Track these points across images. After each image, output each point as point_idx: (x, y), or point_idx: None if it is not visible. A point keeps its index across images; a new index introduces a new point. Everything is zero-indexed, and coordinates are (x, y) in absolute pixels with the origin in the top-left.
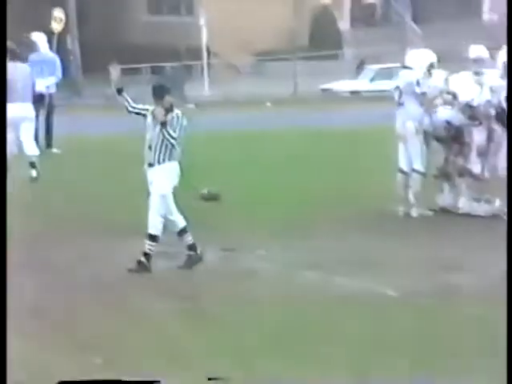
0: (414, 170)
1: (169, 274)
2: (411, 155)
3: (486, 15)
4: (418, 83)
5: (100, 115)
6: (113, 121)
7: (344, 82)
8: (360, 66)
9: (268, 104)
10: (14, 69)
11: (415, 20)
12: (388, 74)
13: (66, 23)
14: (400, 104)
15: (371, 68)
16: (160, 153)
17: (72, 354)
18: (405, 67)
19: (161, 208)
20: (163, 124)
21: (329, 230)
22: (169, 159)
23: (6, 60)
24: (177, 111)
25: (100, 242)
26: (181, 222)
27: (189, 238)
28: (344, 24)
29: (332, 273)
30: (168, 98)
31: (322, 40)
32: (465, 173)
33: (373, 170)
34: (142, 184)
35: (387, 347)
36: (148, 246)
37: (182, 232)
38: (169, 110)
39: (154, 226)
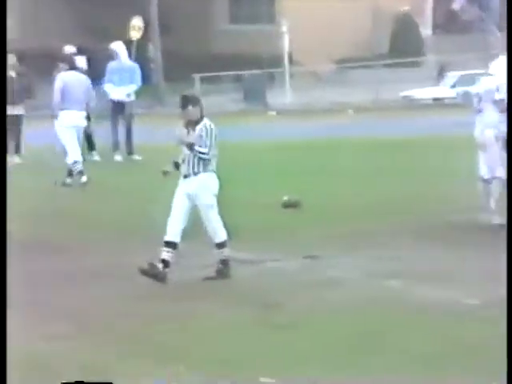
0: (495, 178)
1: (250, 281)
2: (491, 162)
3: None
4: (497, 89)
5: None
6: None
7: (425, 88)
8: (441, 73)
9: (350, 111)
10: (71, 77)
11: (499, 27)
12: (470, 81)
13: (147, 31)
14: (479, 111)
15: (453, 74)
16: (194, 166)
17: (154, 363)
18: (487, 74)
19: (214, 217)
20: (189, 145)
21: (410, 240)
22: (204, 171)
23: (6, 61)
24: (206, 122)
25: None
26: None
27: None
28: (425, 31)
29: (413, 282)
30: (193, 109)
31: (403, 47)
32: None
33: (454, 178)
34: (219, 190)
35: (468, 356)
36: (223, 252)
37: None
38: (197, 121)
39: (217, 235)
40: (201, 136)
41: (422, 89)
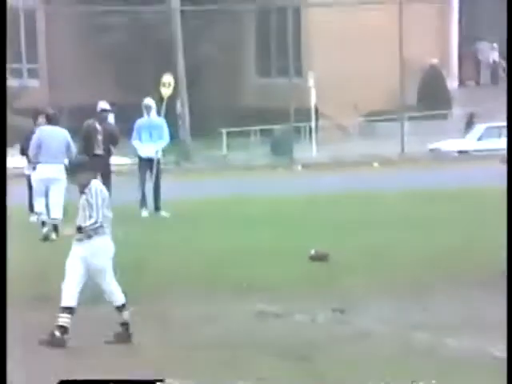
0: None
1: (283, 333)
2: None
3: None
4: None
5: (207, 178)
6: (220, 183)
7: (452, 141)
8: (469, 123)
9: (375, 164)
10: (49, 131)
11: None
12: (496, 133)
13: (176, 87)
14: None
15: (479, 126)
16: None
17: None
18: None
19: (109, 280)
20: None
21: (440, 291)
22: (97, 234)
23: (5, 59)
24: (93, 185)
25: (213, 300)
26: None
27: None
28: (452, 83)
29: (444, 334)
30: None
31: (430, 99)
32: None
33: (484, 230)
34: (249, 244)
35: None
36: (123, 316)
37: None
38: (86, 185)
39: (114, 298)
40: (86, 202)
41: (449, 140)
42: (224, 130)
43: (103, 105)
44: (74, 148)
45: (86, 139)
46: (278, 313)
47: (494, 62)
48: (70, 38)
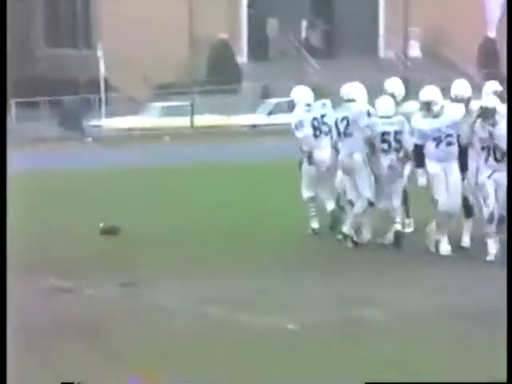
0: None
1: (73, 308)
2: (360, 186)
3: (382, 52)
4: (368, 114)
5: None
6: (10, 156)
7: (242, 116)
8: (263, 97)
9: (167, 138)
10: None
11: (312, 55)
12: (286, 108)
13: None
14: (346, 135)
15: (269, 101)
16: None
17: None
18: (348, 100)
19: None
20: None
21: (233, 265)
22: None
23: (5, 58)
24: None
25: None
26: None
27: None
28: (241, 58)
29: (237, 308)
30: None
31: (219, 74)
32: None
33: (274, 203)
34: (41, 220)
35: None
36: None
37: None
38: None
39: None
40: None
41: (240, 115)
42: (13, 101)
43: None
44: None
45: None
46: (68, 287)
47: (283, 38)
48: None
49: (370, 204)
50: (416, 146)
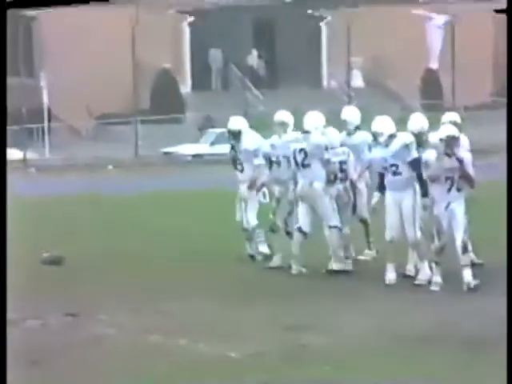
0: (331, 227)
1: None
2: (322, 214)
3: (326, 82)
4: (326, 148)
5: None
6: None
7: (186, 145)
8: (204, 127)
9: (110, 167)
10: None
11: (256, 85)
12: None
13: None
14: (304, 166)
15: (212, 131)
16: None
17: None
18: (305, 131)
19: None
20: None
21: (174, 293)
22: None
23: (5, 62)
24: None
25: None
26: None
27: None
28: (185, 88)
29: (177, 336)
30: None
31: (163, 103)
32: None
33: (216, 231)
34: None
35: None
36: None
37: None
38: None
39: None
40: None
41: (183, 145)
42: None
43: None
44: None
45: None
46: (9, 318)
47: (226, 68)
48: None
49: (339, 229)
50: (378, 173)
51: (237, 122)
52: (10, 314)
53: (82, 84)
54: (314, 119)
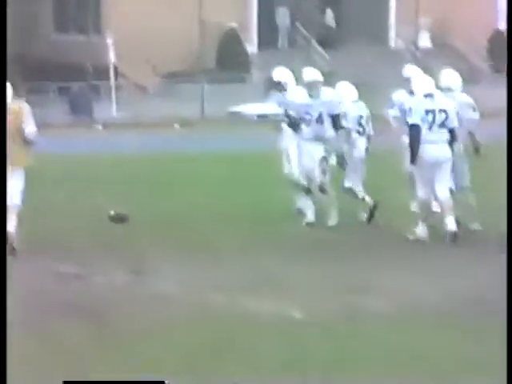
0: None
1: (81, 294)
2: (456, 174)
3: (393, 42)
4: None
5: None
6: None
7: (252, 104)
8: (269, 87)
9: (176, 126)
10: None
11: (322, 45)
12: None
13: None
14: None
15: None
16: None
17: None
18: (445, 89)
19: None
20: None
21: (237, 252)
22: None
23: (5, 61)
24: None
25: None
26: None
27: None
28: (251, 47)
29: (239, 295)
30: None
31: (229, 62)
32: None
33: (277, 191)
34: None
35: (295, 370)
36: None
37: None
38: None
39: None
40: None
41: (249, 105)
42: (23, 86)
43: None
44: None
45: None
46: (76, 273)
47: (293, 27)
48: None
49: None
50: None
51: (281, 73)
52: (77, 269)
53: (148, 42)
54: (454, 77)
